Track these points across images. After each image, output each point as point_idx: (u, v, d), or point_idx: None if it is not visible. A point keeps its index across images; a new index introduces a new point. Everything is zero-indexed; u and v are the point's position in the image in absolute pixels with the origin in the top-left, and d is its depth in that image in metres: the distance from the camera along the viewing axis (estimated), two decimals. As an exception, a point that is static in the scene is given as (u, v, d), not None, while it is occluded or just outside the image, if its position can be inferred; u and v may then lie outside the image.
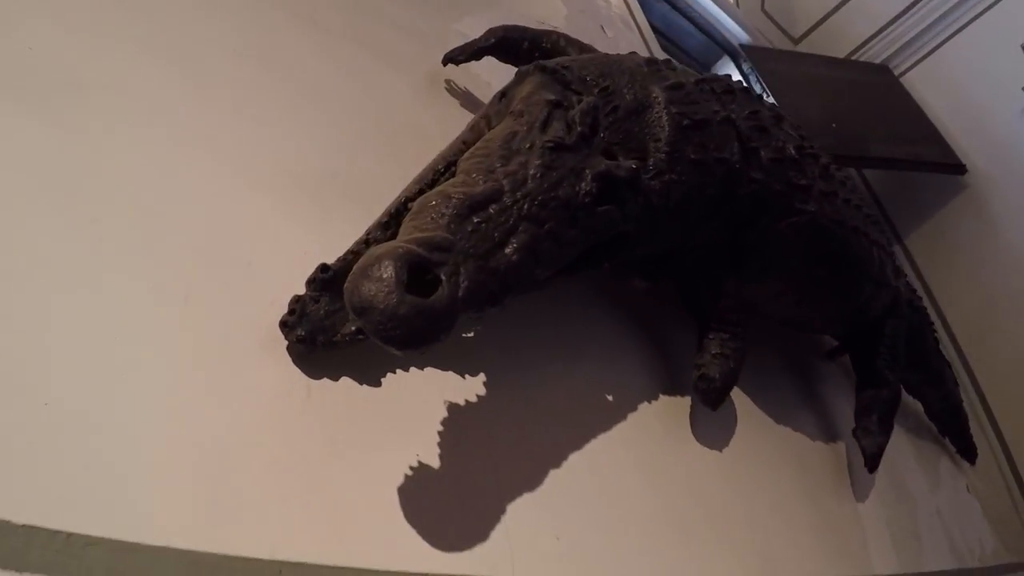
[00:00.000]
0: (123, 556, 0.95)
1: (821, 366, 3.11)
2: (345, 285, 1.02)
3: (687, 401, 2.06)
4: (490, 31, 2.22)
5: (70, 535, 0.92)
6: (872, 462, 2.63)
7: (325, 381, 1.29)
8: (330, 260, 1.34)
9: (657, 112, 1.71)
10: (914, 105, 5.82)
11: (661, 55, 4.22)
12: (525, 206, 1.27)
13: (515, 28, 2.24)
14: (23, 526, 0.90)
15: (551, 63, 1.71)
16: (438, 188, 1.26)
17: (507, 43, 2.22)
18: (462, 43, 2.27)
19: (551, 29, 2.27)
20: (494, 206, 1.24)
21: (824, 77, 5.75)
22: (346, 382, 1.31)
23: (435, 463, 1.32)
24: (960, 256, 5.57)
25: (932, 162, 5.47)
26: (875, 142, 5.38)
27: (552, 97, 1.54)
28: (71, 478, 0.96)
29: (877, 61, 6.11)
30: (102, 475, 0.99)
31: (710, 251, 1.99)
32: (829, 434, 2.88)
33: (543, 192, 1.31)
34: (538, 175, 1.33)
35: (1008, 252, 5.30)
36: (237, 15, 1.78)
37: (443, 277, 1.04)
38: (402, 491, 1.24)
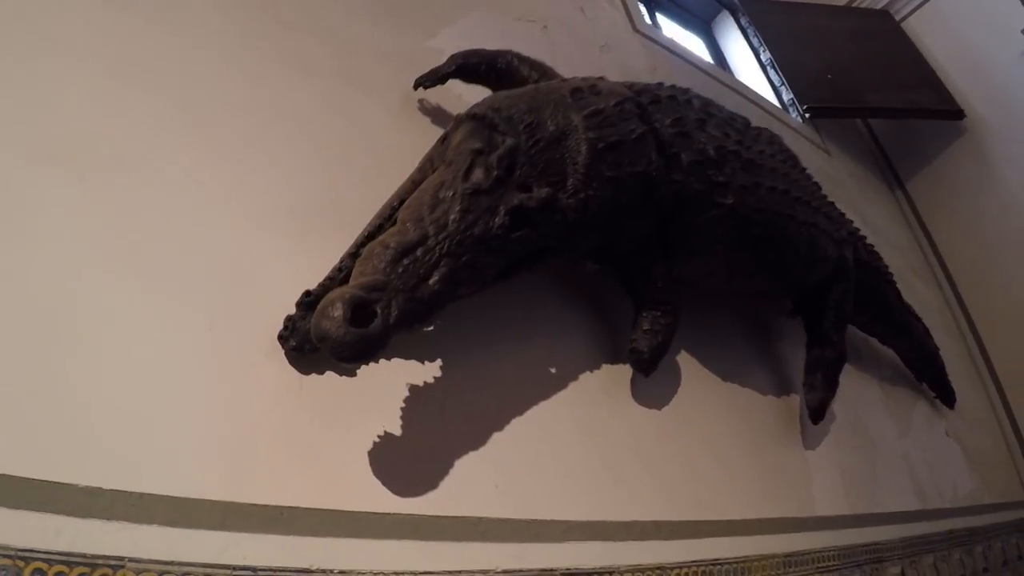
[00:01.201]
0: (176, 506, 1.48)
1: (783, 324, 3.53)
2: (311, 320, 1.55)
3: (628, 369, 2.55)
4: (451, 58, 2.63)
5: (142, 495, 1.44)
6: (815, 415, 3.09)
7: (313, 376, 1.81)
8: (314, 285, 1.84)
9: (576, 138, 2.11)
10: (914, 51, 6.09)
11: (645, 29, 4.61)
12: (445, 246, 1.73)
13: (473, 53, 2.65)
14: (110, 490, 1.41)
15: (482, 109, 2.12)
16: (380, 238, 1.74)
17: (466, 68, 2.64)
18: (438, 59, 2.67)
19: (504, 49, 2.71)
20: (420, 249, 1.70)
21: (824, 27, 6.03)
22: (329, 375, 1.82)
23: (397, 432, 1.84)
24: (959, 200, 5.91)
25: (929, 109, 5.78)
26: (872, 91, 5.68)
27: (476, 146, 1.98)
28: (139, 456, 1.49)
29: (878, 7, 6.39)
30: (159, 452, 1.51)
31: (640, 243, 2.42)
32: (783, 388, 3.32)
33: (460, 232, 1.77)
34: (457, 218, 1.79)
35: (1006, 195, 5.65)
36: (238, 72, 2.20)
37: (378, 311, 1.54)
38: (371, 454, 1.77)
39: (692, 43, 5.96)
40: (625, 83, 2.56)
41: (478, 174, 1.92)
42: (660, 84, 2.66)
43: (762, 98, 5.47)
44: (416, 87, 2.62)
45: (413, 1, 3.07)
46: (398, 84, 2.64)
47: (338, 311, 1.50)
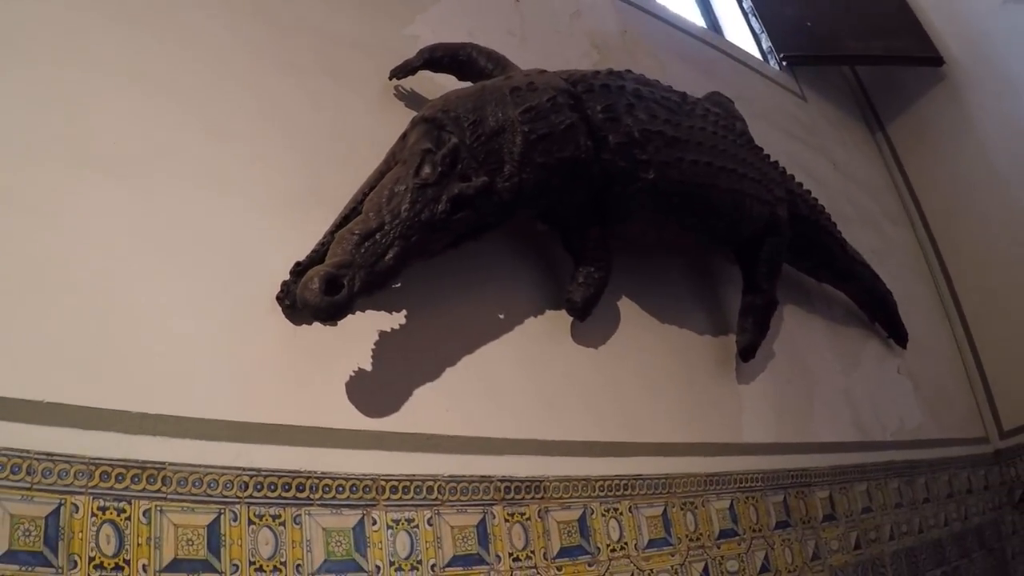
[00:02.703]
0: (202, 424, 2.05)
1: (724, 270, 4.05)
2: (296, 291, 2.18)
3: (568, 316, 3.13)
4: (420, 52, 3.15)
5: (178, 417, 2.00)
6: (744, 355, 3.67)
7: (304, 327, 2.34)
8: (303, 257, 2.40)
9: (512, 132, 2.63)
10: (896, -4, 6.39)
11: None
12: (398, 230, 2.29)
13: (438, 47, 3.19)
14: (154, 414, 1.96)
15: (432, 112, 2.62)
16: (348, 225, 2.31)
17: (432, 61, 3.17)
18: (414, 47, 3.20)
19: (465, 43, 3.25)
20: (379, 233, 2.27)
21: (807, -27, 6.32)
22: (316, 326, 2.28)
23: (368, 367, 2.44)
24: (937, 143, 6.28)
25: (907, 56, 6.11)
26: (851, 38, 6.01)
27: (426, 146, 2.50)
28: (175, 388, 2.05)
29: (863, -52, 6.67)
30: (190, 385, 2.08)
31: (578, 210, 3.02)
32: (721, 328, 3.87)
33: (410, 219, 2.33)
34: (407, 208, 2.32)
35: (982, 141, 6.01)
36: (237, 76, 2.66)
37: (345, 283, 2.13)
38: (347, 384, 2.38)
39: (680, -9, 6.40)
40: (565, 73, 3.14)
41: (426, 170, 2.48)
42: (597, 72, 3.23)
43: (737, 48, 5.92)
44: (391, 78, 3.15)
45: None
46: (377, 75, 3.16)
47: (315, 284, 2.10)
